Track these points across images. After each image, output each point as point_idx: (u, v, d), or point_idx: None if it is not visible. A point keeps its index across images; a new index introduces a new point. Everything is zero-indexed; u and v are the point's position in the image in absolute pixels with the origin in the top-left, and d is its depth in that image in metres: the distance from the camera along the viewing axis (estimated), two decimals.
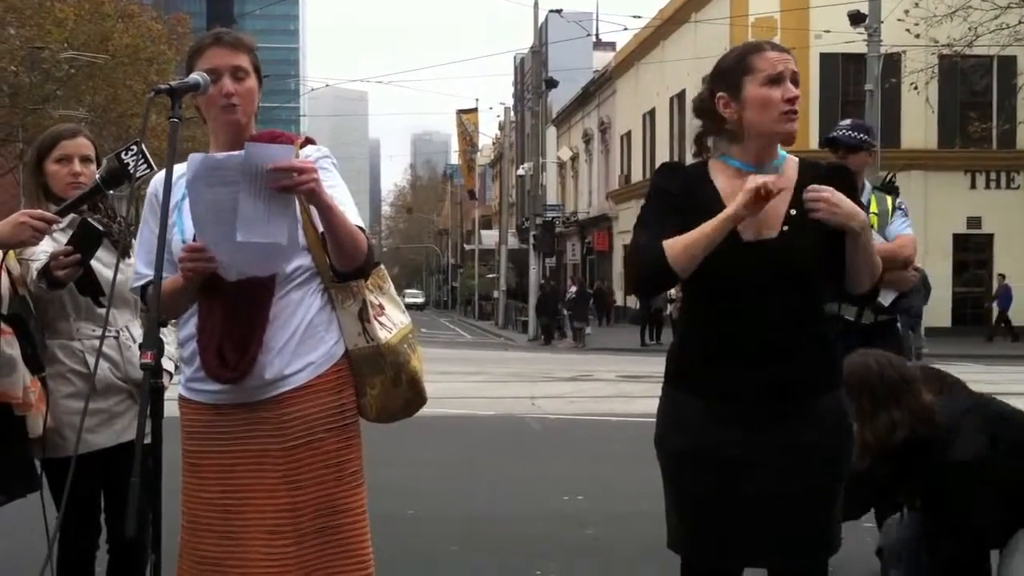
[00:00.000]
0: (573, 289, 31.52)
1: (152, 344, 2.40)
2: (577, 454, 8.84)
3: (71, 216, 3.28)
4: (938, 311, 23.21)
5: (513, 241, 46.49)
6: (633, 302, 32.71)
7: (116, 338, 3.41)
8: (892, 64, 22.89)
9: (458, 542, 5.66)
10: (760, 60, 2.64)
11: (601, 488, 7.11)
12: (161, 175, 2.80)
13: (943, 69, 24.40)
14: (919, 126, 26.63)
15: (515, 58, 58.89)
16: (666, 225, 2.62)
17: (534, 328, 32.30)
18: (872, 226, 3.12)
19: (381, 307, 2.85)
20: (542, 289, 32.34)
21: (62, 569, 3.34)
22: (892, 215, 4.81)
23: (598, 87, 45.42)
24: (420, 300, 76.92)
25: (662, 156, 35.37)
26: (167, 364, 3.39)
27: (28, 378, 3.20)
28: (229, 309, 2.65)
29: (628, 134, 41.02)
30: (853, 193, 2.69)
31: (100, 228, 3.03)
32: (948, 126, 27.03)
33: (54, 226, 3.09)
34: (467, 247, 66.57)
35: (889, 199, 4.88)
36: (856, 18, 21.65)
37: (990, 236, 27.66)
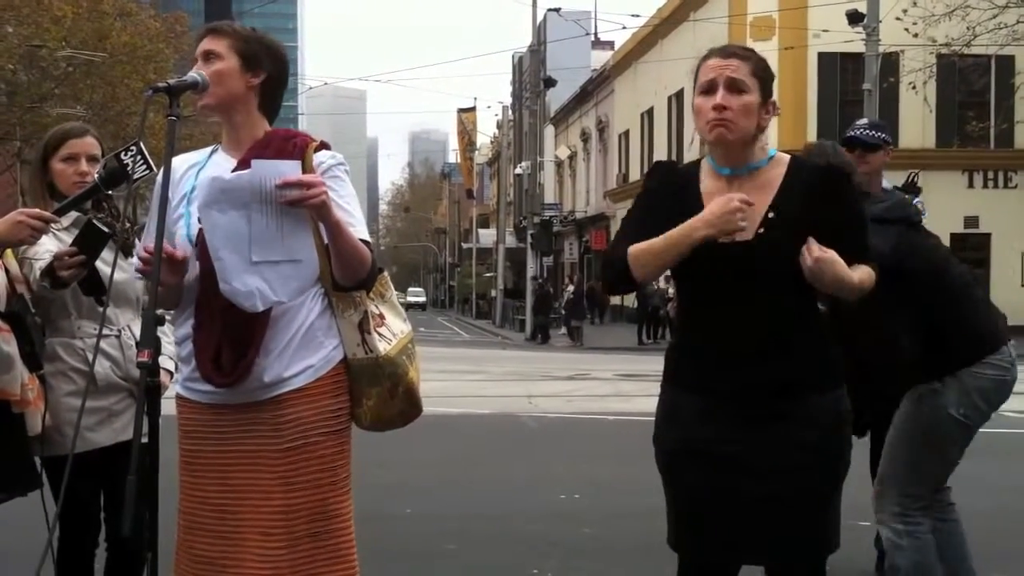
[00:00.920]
0: (570, 288, 31.53)
1: (149, 342, 2.39)
2: (575, 453, 8.85)
3: (73, 215, 3.28)
4: None
5: (511, 240, 46.47)
6: (630, 300, 32.70)
7: (118, 337, 3.42)
8: (890, 63, 22.87)
9: (455, 540, 5.66)
10: (702, 69, 2.68)
11: (598, 487, 7.12)
12: (178, 160, 2.81)
13: (941, 69, 24.43)
14: (917, 125, 26.64)
15: (513, 57, 58.85)
16: (642, 227, 2.64)
17: (531, 327, 32.29)
18: None
19: (382, 317, 2.83)
20: (541, 288, 32.34)
21: (61, 566, 3.34)
22: None
23: (596, 86, 45.41)
24: (422, 300, 74.76)
25: (660, 155, 35.40)
26: (167, 363, 3.38)
27: (26, 376, 3.20)
28: (228, 312, 2.62)
29: (626, 133, 41.01)
30: (845, 194, 2.68)
31: (105, 229, 3.02)
32: (946, 126, 27.04)
33: (55, 225, 3.09)
34: (465, 246, 66.53)
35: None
36: (854, 17, 21.64)
37: (987, 235, 27.66)
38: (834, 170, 2.80)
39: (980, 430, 3.83)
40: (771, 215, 2.62)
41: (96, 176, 3.08)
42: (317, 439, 2.72)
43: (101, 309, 3.28)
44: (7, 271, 3.22)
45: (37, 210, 3.04)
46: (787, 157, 2.74)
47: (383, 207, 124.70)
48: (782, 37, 26.10)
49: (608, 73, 43.11)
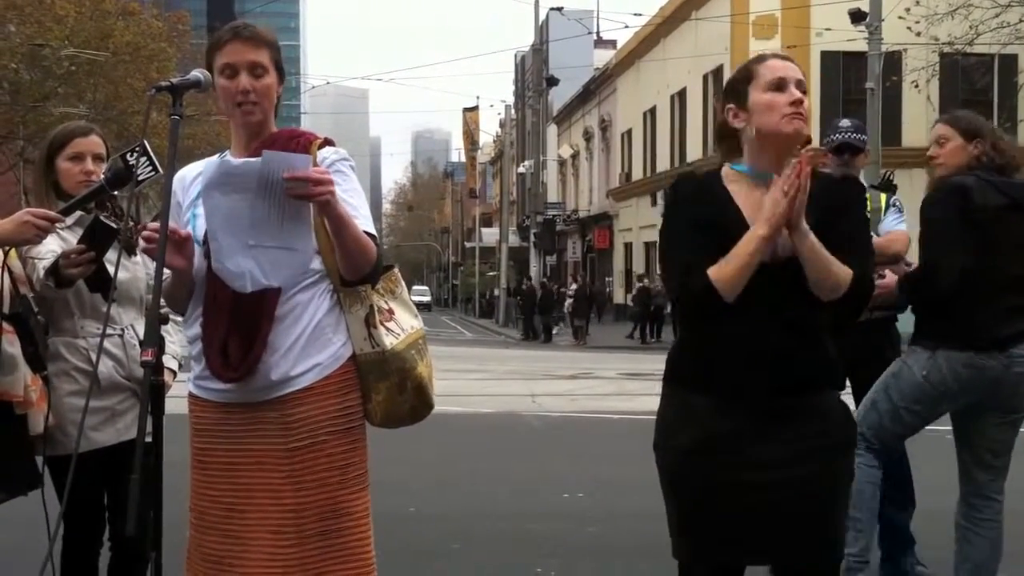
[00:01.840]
0: (574, 287, 31.54)
1: (153, 341, 2.40)
2: (578, 452, 8.85)
3: (77, 215, 3.28)
4: None
5: (514, 239, 46.50)
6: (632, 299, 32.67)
7: (121, 336, 3.41)
8: (893, 62, 22.85)
9: (459, 540, 5.67)
10: (762, 68, 2.72)
11: (602, 486, 7.12)
12: (187, 169, 2.82)
13: (944, 67, 24.38)
14: (920, 124, 26.43)
15: (516, 56, 58.87)
16: (697, 244, 2.64)
17: (538, 326, 32.28)
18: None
19: (391, 312, 2.84)
20: (543, 288, 32.36)
21: (65, 566, 3.35)
22: (885, 212, 4.90)
23: (599, 85, 45.39)
24: (426, 299, 70.78)
25: (663, 154, 35.39)
26: (170, 362, 3.39)
27: (29, 376, 3.20)
28: (235, 308, 2.64)
29: (629, 132, 41.00)
30: (858, 205, 2.74)
31: (113, 225, 3.03)
32: None
33: (58, 225, 3.09)
34: (468, 245, 66.59)
35: (883, 196, 4.96)
36: (857, 16, 21.60)
37: None
38: (851, 182, 2.90)
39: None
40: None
41: (102, 176, 3.09)
42: (325, 438, 2.72)
43: (106, 308, 3.28)
44: (11, 272, 3.23)
45: (43, 210, 3.04)
46: None
47: (386, 206, 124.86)
48: (784, 36, 26.09)
49: (610, 72, 43.10)
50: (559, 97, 47.69)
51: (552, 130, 49.41)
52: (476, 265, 58.13)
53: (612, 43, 46.92)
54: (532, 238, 35.82)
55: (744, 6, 27.91)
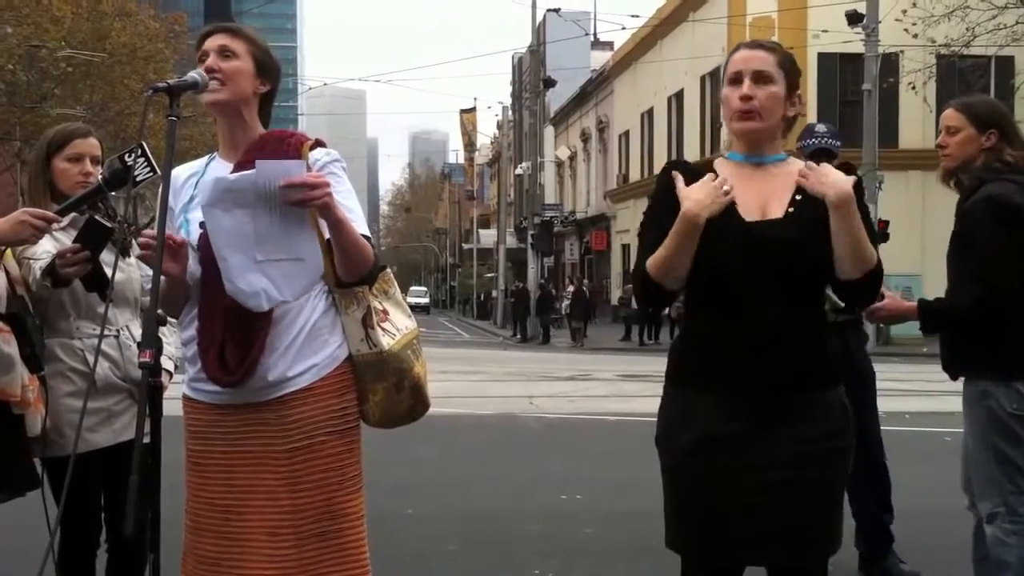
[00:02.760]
0: (571, 289, 31.53)
1: (150, 343, 2.39)
2: (575, 453, 8.84)
3: (72, 215, 3.28)
4: None
5: (511, 240, 46.50)
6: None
7: (116, 337, 3.41)
8: (890, 64, 22.87)
9: (457, 541, 5.66)
10: (730, 61, 2.73)
11: (599, 487, 7.12)
12: (179, 170, 2.81)
13: (941, 69, 24.39)
14: (917, 126, 26.60)
15: (513, 57, 58.87)
16: (660, 230, 2.66)
17: (532, 328, 32.27)
18: None
19: (385, 312, 2.84)
20: (542, 289, 32.35)
21: (62, 568, 3.34)
22: None
23: (596, 86, 45.42)
24: (424, 301, 68.41)
25: (660, 155, 35.37)
26: (166, 363, 3.38)
27: (26, 376, 3.19)
28: (232, 311, 2.62)
29: (626, 133, 41.02)
30: (860, 190, 2.71)
31: (108, 224, 3.03)
32: None
33: (54, 225, 3.09)
34: (465, 246, 66.56)
35: None
36: (854, 18, 21.66)
37: None
38: (847, 169, 2.86)
39: None
40: (798, 196, 2.67)
41: (99, 177, 3.09)
42: (323, 439, 2.72)
43: (102, 308, 3.29)
44: (7, 272, 3.22)
45: (40, 210, 3.04)
46: (798, 160, 2.80)
47: (384, 207, 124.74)
48: (781, 37, 26.03)
49: (608, 73, 43.13)
50: (556, 99, 47.66)
51: (549, 132, 49.36)
52: (474, 267, 58.13)
53: (609, 45, 46.97)
54: (530, 239, 35.76)
55: (741, 8, 27.94)
